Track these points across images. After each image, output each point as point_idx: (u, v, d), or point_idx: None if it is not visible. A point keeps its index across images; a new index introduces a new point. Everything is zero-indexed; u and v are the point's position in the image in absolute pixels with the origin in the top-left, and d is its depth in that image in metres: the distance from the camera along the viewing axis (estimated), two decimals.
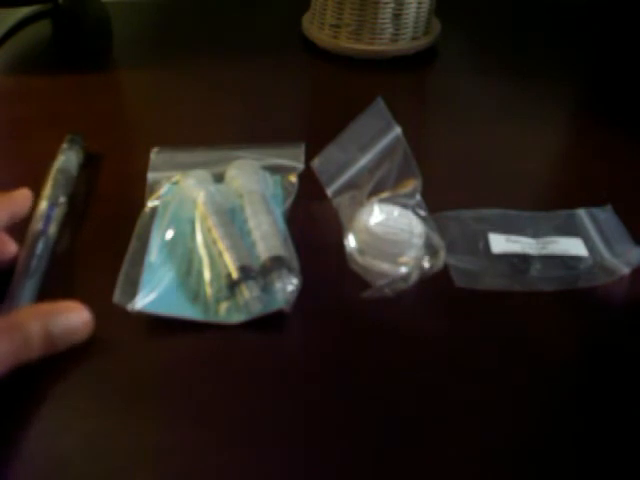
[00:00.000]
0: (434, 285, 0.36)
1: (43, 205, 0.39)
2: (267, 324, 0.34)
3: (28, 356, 0.30)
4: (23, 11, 0.64)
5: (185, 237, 0.38)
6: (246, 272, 0.35)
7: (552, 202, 0.43)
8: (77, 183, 0.43)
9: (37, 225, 0.38)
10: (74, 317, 0.32)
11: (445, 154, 0.47)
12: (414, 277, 0.36)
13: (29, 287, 0.35)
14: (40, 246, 0.37)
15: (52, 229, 0.38)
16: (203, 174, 0.42)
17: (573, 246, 0.38)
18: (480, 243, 0.39)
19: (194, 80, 0.55)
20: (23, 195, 0.37)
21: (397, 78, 0.57)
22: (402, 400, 0.31)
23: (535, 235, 0.39)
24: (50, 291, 0.35)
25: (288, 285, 0.35)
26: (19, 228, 0.38)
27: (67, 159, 0.43)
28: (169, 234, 0.38)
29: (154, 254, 0.37)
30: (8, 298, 0.34)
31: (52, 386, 0.31)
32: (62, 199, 0.40)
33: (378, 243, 0.37)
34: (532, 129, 0.50)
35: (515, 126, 0.50)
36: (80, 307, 0.32)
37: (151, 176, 0.43)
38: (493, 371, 0.32)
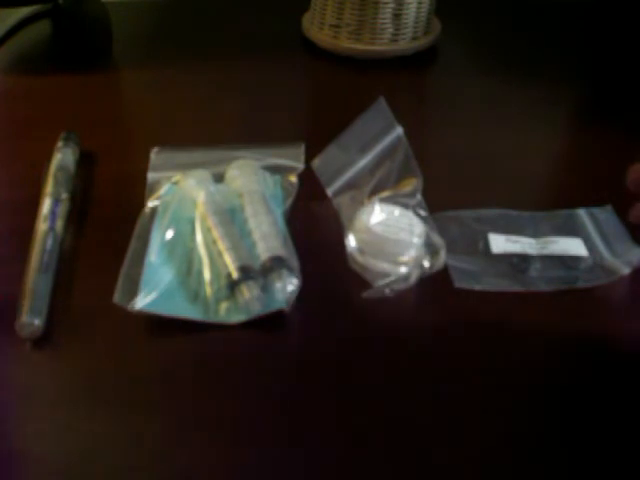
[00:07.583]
0: (434, 285, 0.36)
1: (47, 202, 0.39)
2: (267, 324, 0.34)
3: None
4: (23, 11, 0.64)
5: (185, 237, 0.38)
6: (246, 272, 0.35)
7: (552, 202, 0.43)
8: (75, 181, 0.43)
9: (44, 221, 0.38)
10: None
11: (445, 154, 0.47)
12: (414, 277, 0.36)
13: (45, 281, 0.35)
14: (50, 242, 0.37)
15: (58, 225, 0.38)
16: (203, 174, 0.42)
17: (573, 246, 0.38)
18: (480, 243, 0.39)
19: (194, 80, 0.55)
20: None
21: (397, 78, 0.57)
22: (403, 399, 0.31)
23: (535, 235, 0.39)
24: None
25: (288, 285, 0.35)
26: (22, 227, 0.38)
27: (64, 157, 0.43)
28: (169, 234, 0.38)
29: (154, 254, 0.37)
30: (24, 294, 0.34)
31: (52, 386, 0.32)
32: (64, 195, 0.40)
33: (378, 243, 0.37)
34: (532, 129, 0.50)
35: (515, 126, 0.50)
36: None
37: (151, 176, 0.43)
38: (493, 371, 0.32)
